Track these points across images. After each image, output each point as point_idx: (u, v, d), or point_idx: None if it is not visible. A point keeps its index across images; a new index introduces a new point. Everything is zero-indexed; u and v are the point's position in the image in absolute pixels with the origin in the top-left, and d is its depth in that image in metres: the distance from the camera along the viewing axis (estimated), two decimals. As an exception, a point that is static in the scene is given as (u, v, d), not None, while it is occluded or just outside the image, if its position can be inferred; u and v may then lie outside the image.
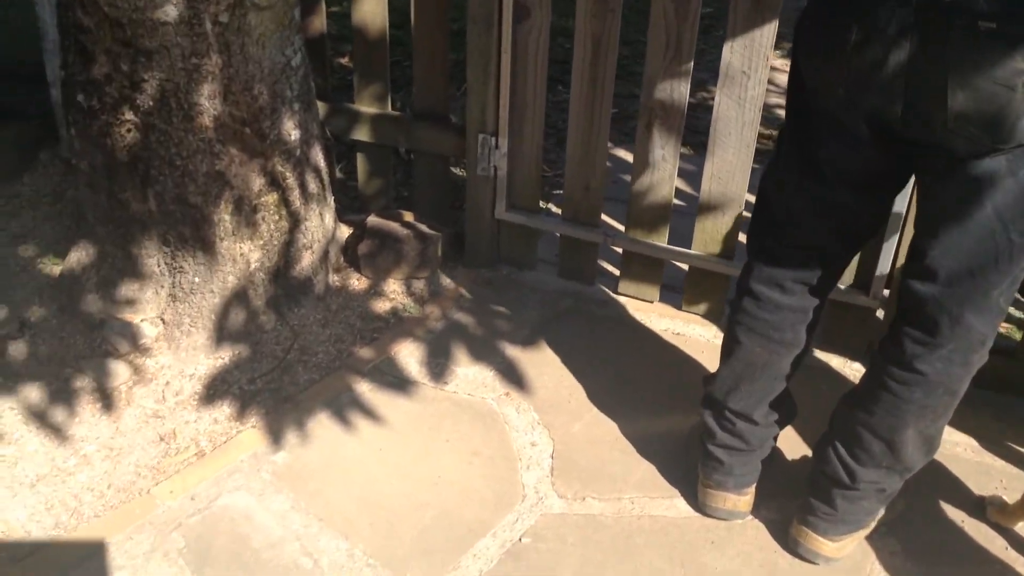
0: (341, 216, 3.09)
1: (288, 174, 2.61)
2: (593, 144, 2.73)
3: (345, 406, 2.44)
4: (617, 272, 2.95)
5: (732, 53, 2.42)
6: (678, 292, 2.90)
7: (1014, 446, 2.35)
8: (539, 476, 2.26)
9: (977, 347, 1.74)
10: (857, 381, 2.06)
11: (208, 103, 2.37)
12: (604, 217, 2.92)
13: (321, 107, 3.09)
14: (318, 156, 2.74)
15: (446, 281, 2.99)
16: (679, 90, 2.54)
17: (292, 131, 2.59)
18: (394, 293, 2.90)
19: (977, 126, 1.51)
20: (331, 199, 2.90)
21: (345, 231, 3.07)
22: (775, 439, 2.14)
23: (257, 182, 2.53)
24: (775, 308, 1.93)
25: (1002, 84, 1.45)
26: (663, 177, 2.69)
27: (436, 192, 3.17)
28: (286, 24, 2.48)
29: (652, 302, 2.91)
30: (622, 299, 2.94)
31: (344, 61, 4.47)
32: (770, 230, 1.93)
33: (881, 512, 2.04)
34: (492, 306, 2.88)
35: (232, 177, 2.49)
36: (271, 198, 2.59)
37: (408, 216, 3.08)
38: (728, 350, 2.02)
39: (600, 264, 3.05)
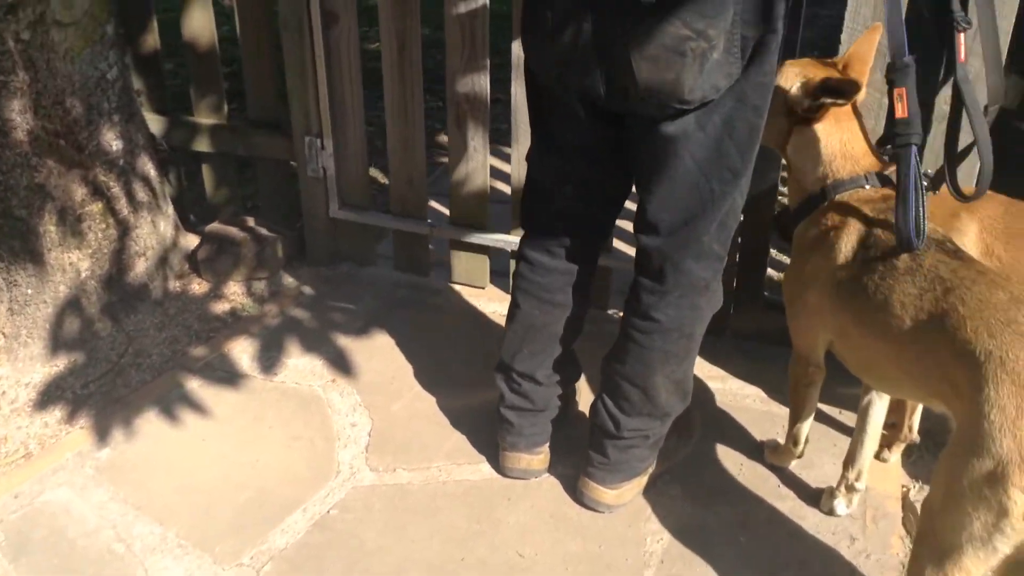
0: (191, 225, 3.19)
1: (112, 183, 2.71)
2: (410, 139, 2.87)
3: (173, 402, 2.54)
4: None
5: (519, 47, 2.59)
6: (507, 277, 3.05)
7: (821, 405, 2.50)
8: (355, 453, 2.39)
9: (702, 291, 1.93)
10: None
11: (19, 118, 2.46)
12: (446, 210, 3.05)
13: (161, 121, 3.20)
14: (146, 166, 2.85)
15: (288, 280, 3.11)
16: (480, 84, 2.69)
17: (113, 142, 2.69)
18: (234, 295, 3.01)
19: (662, 92, 1.68)
20: (167, 207, 3.00)
21: (193, 239, 3.17)
22: (564, 399, 2.29)
23: (79, 192, 2.63)
24: (545, 271, 2.09)
25: (673, 51, 1.63)
26: (476, 167, 2.84)
27: (279, 196, 3.28)
28: (96, 40, 2.59)
29: (483, 288, 3.06)
30: (457, 287, 3.08)
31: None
32: (533, 199, 2.10)
33: (653, 460, 2.19)
34: (329, 301, 3.01)
35: (52, 188, 2.58)
36: (96, 207, 2.68)
37: (251, 221, 3.19)
38: (511, 314, 2.18)
39: (441, 256, 3.18)
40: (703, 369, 2.65)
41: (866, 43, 1.97)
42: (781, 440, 2.32)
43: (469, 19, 2.60)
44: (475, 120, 2.76)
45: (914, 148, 1.74)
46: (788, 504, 2.21)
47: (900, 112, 1.75)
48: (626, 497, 2.18)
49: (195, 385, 2.61)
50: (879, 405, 2.10)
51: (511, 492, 2.26)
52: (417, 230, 3.02)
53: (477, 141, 2.79)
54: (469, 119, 2.76)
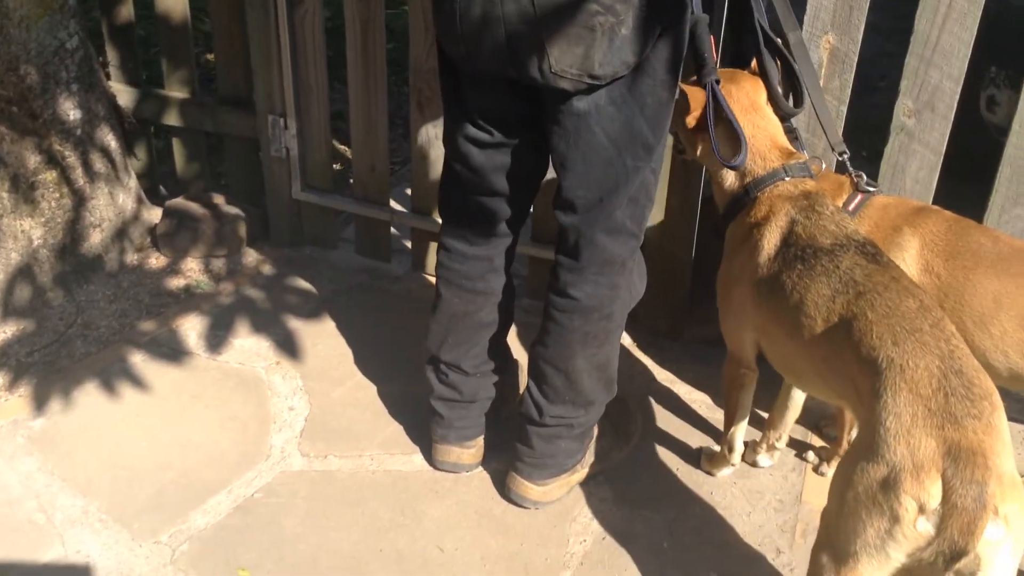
0: (163, 200, 3.17)
1: (68, 153, 2.69)
2: (374, 125, 2.84)
3: (113, 376, 2.52)
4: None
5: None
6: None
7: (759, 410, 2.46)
8: (288, 437, 2.37)
9: (618, 269, 1.92)
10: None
11: (-29, 83, 2.45)
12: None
13: (131, 93, 3.17)
14: (106, 137, 2.83)
15: (249, 259, 3.09)
16: None
17: (71, 111, 2.67)
18: (191, 271, 2.99)
19: (574, 67, 1.67)
20: (128, 180, 2.98)
21: (158, 213, 3.15)
22: (501, 392, 2.25)
23: (32, 160, 2.61)
24: (464, 258, 2.06)
25: (583, 27, 1.63)
26: (439, 155, 2.80)
27: (246, 174, 3.25)
28: (56, 8, 2.57)
29: (444, 277, 3.02)
30: (421, 274, 3.04)
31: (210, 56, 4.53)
32: (451, 184, 2.07)
33: (581, 456, 2.16)
34: (287, 282, 2.98)
35: (5, 155, 2.57)
36: (50, 176, 2.67)
37: (219, 199, 3.17)
38: (434, 304, 2.15)
39: (406, 242, 3.15)
40: (653, 373, 2.62)
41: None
42: (717, 448, 2.28)
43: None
44: (438, 107, 2.72)
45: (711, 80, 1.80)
46: (718, 513, 2.17)
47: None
48: (553, 495, 2.15)
49: (138, 360, 2.59)
50: None
51: (439, 485, 2.23)
52: (378, 216, 2.99)
53: (439, 128, 2.75)
54: (432, 105, 2.72)
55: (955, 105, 2.10)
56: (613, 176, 1.81)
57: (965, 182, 2.25)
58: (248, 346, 2.68)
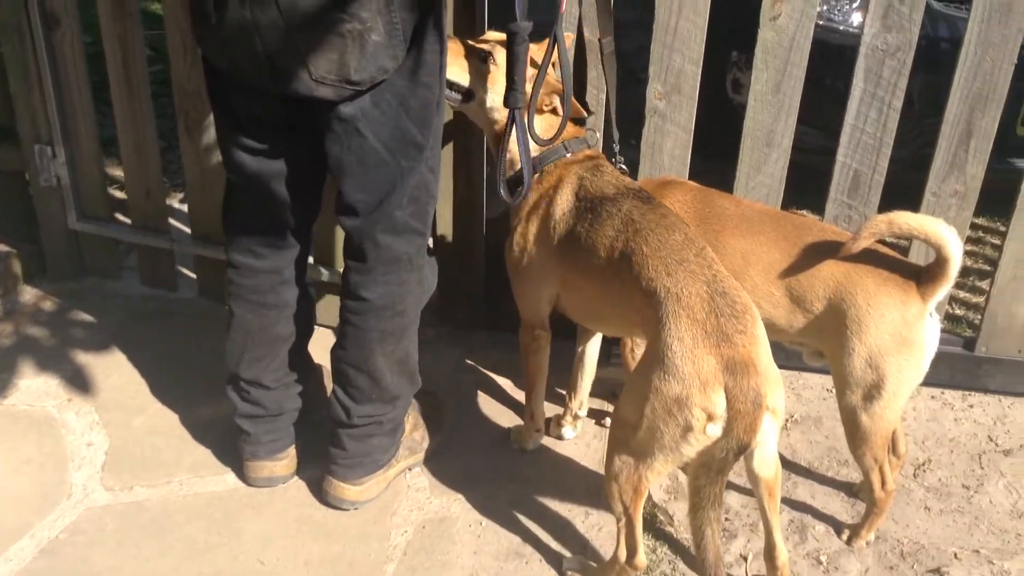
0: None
1: None
2: (143, 150, 2.76)
3: None
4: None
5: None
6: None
7: (558, 388, 2.59)
8: (89, 473, 2.28)
9: (405, 266, 1.98)
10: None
11: None
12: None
13: None
14: None
15: (27, 297, 2.93)
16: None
17: None
18: (-38, 316, 2.81)
19: (332, 73, 1.73)
20: None
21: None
22: (307, 401, 2.27)
23: None
24: (253, 273, 2.07)
25: (333, 33, 1.69)
26: (212, 179, 2.74)
27: (15, 209, 3.08)
28: None
29: (239, 295, 2.98)
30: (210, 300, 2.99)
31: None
32: (232, 198, 2.06)
33: (395, 451, 2.21)
34: (71, 316, 2.85)
35: None
36: None
37: (-15, 237, 2.98)
38: (228, 322, 2.13)
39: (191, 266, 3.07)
40: (457, 363, 2.71)
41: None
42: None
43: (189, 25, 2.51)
44: (206, 127, 2.67)
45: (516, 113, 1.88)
46: (530, 486, 2.28)
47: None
48: (371, 492, 2.19)
49: (-89, 415, 2.42)
50: (591, 349, 2.37)
51: (255, 500, 2.22)
52: (158, 244, 2.91)
53: (211, 150, 2.70)
54: (199, 128, 2.67)
55: (698, 86, 2.30)
56: (389, 177, 1.87)
57: (728, 160, 2.46)
58: (36, 386, 2.56)
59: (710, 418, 1.65)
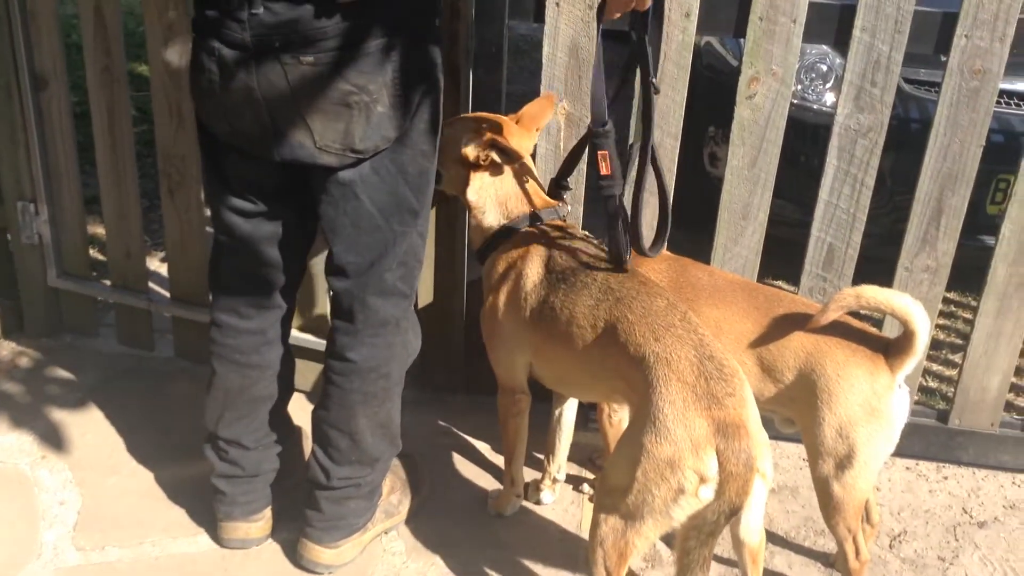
0: None
1: None
2: (125, 211, 2.78)
3: None
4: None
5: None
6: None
7: (535, 452, 2.59)
8: (61, 533, 2.25)
9: (392, 329, 2.00)
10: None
11: None
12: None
13: None
14: None
15: (3, 352, 2.92)
16: (192, 153, 2.61)
17: None
18: (-63, 371, 2.78)
19: (336, 142, 1.77)
20: None
21: None
22: (285, 462, 2.25)
23: None
24: (237, 333, 2.07)
25: (339, 104, 1.74)
26: (192, 241, 2.76)
27: (-6, 265, 3.08)
28: None
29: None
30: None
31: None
32: (219, 258, 2.08)
33: (371, 514, 2.20)
34: (47, 373, 2.84)
35: None
36: None
37: (-37, 293, 2.97)
38: (208, 381, 2.13)
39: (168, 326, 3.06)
40: (436, 426, 2.71)
41: (537, 106, 2.23)
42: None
43: (175, 89, 2.55)
44: (188, 190, 2.70)
45: (617, 195, 1.94)
46: (508, 551, 2.27)
47: (604, 170, 1.94)
48: (346, 556, 2.17)
49: None
50: (568, 412, 2.38)
51: (228, 563, 2.20)
52: (136, 304, 2.91)
53: (192, 213, 2.72)
54: (181, 191, 2.70)
55: (676, 158, 2.37)
56: (381, 241, 1.90)
57: (704, 232, 2.51)
58: (8, 443, 2.53)
59: (702, 480, 1.66)
